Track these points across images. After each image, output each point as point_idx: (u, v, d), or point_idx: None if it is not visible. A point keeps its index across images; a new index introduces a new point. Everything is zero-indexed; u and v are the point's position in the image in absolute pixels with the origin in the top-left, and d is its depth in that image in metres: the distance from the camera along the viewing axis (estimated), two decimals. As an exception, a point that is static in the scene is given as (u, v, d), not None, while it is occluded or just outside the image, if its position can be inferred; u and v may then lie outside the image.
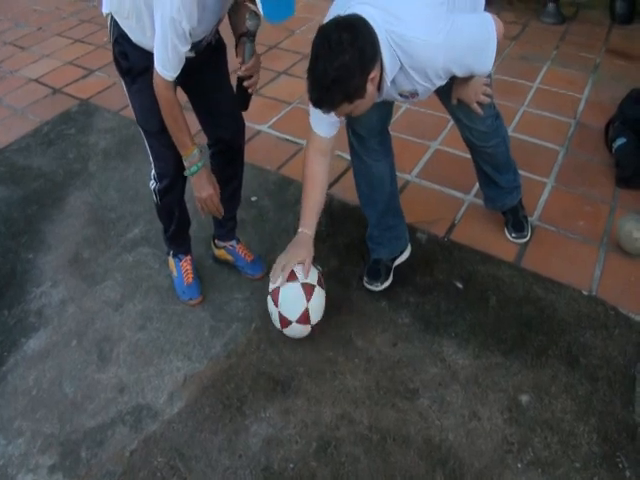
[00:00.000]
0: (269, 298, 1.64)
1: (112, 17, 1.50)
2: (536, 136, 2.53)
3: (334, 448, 1.48)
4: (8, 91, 3.21)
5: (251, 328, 1.80)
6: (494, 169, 1.89)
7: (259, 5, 1.24)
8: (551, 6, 3.59)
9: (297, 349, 1.73)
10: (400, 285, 1.91)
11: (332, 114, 1.40)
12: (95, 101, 3.04)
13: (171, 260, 1.95)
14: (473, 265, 1.96)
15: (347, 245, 2.08)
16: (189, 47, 1.39)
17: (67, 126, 2.85)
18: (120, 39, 1.51)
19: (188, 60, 1.45)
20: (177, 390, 1.64)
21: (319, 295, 1.65)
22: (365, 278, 1.90)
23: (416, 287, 1.90)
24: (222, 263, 2.03)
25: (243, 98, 1.62)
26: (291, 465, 1.45)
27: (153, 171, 1.72)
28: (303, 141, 2.60)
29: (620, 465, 1.41)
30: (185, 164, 1.56)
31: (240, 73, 1.57)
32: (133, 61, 1.52)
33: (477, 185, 2.28)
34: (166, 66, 1.39)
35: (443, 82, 1.44)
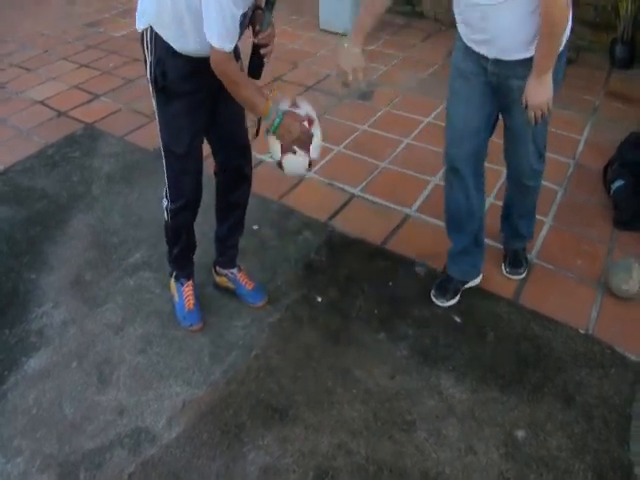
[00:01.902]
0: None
1: (151, 30, 1.57)
2: (536, 175, 2.68)
3: (331, 478, 1.54)
4: (13, 112, 3.35)
5: (251, 356, 1.88)
6: (520, 215, 2.09)
7: None
8: (552, 49, 3.81)
9: (296, 378, 1.81)
10: (399, 317, 2.00)
11: None
12: (100, 126, 3.18)
13: (173, 283, 2.04)
14: (471, 300, 2.06)
15: (347, 277, 2.18)
16: (243, 10, 1.46)
17: (71, 149, 2.97)
18: (163, 56, 1.57)
19: (208, 87, 1.57)
20: (176, 415, 1.71)
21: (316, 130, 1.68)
22: (433, 291, 2.07)
23: (415, 320, 2.00)
24: (223, 290, 2.12)
25: (257, 67, 1.68)
26: (288, 494, 1.51)
27: (165, 189, 1.80)
28: (307, 173, 2.73)
29: (614, 503, 1.49)
30: (268, 122, 1.59)
31: (256, 41, 1.63)
32: (171, 79, 1.59)
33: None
34: (223, 38, 1.45)
35: None
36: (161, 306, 2.07)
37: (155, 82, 1.62)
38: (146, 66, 1.64)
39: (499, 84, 1.72)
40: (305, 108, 1.70)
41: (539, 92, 1.62)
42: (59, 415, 1.71)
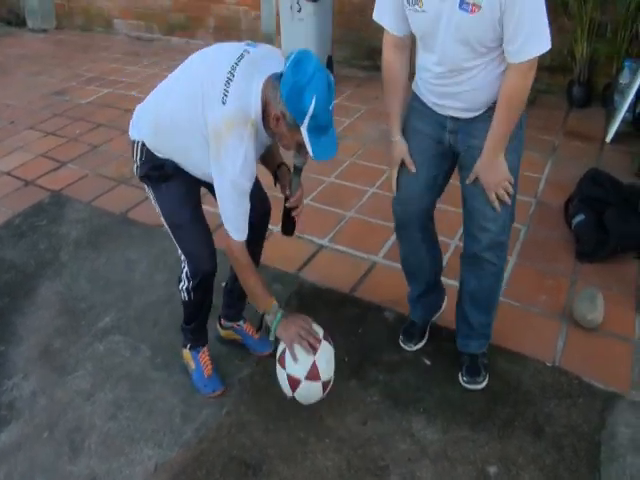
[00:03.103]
0: (277, 365, 1.79)
1: (142, 144, 1.75)
2: (499, 215, 2.88)
3: None
4: (-21, 185, 3.51)
5: (222, 413, 1.97)
6: (473, 302, 1.97)
7: (309, 149, 1.51)
8: (510, 92, 4.13)
9: (268, 431, 1.90)
10: (369, 364, 2.13)
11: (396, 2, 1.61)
12: (67, 192, 3.35)
13: (187, 353, 2.07)
14: (440, 342, 2.20)
15: (318, 326, 2.31)
16: (249, 203, 1.62)
17: (39, 218, 3.13)
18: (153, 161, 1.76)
19: None
20: (148, 479, 1.78)
21: (326, 350, 1.77)
22: (401, 337, 2.19)
23: (385, 365, 2.12)
24: (227, 343, 2.22)
25: (290, 225, 1.88)
26: None
27: (185, 271, 1.85)
28: (274, 228, 2.90)
29: (585, 531, 1.59)
30: (268, 319, 1.74)
31: (288, 205, 1.83)
32: (167, 168, 1.75)
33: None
34: (239, 229, 1.63)
35: (497, 10, 1.47)
36: (131, 369, 2.16)
37: (149, 177, 1.79)
38: (135, 166, 1.82)
39: (457, 142, 1.76)
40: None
41: (494, 170, 1.67)
42: (30, 488, 1.77)
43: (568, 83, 4.18)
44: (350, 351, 2.18)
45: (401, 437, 1.86)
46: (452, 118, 1.74)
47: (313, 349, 1.71)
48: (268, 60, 1.59)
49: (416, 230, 1.98)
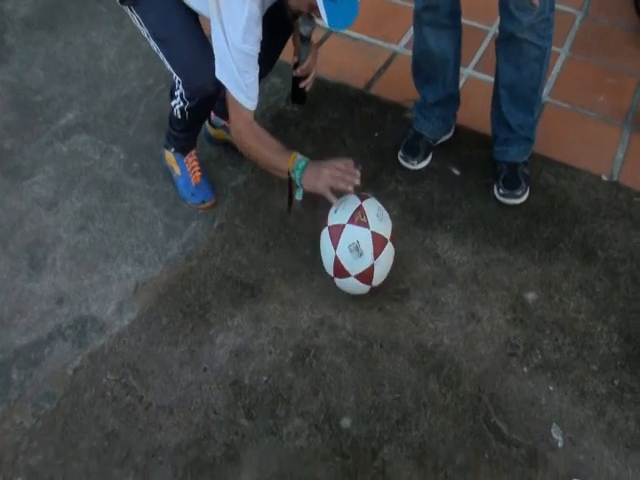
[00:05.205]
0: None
1: None
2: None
3: (313, 357, 1.38)
4: None
5: (213, 226, 1.65)
6: (512, 98, 1.60)
7: (323, 16, 1.22)
8: None
9: (268, 247, 1.59)
10: (387, 173, 1.76)
11: None
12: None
13: (170, 155, 1.70)
14: (472, 148, 1.81)
15: (324, 128, 1.89)
16: (258, 67, 1.37)
17: (-25, -9, 2.45)
18: None
19: None
20: (127, 299, 1.49)
21: (374, 203, 1.42)
22: (400, 152, 1.78)
23: (406, 175, 1.76)
24: (219, 145, 1.83)
25: (298, 95, 1.64)
26: (264, 378, 1.35)
27: (180, 91, 1.49)
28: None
29: (644, 366, 1.35)
30: (292, 176, 1.40)
31: (295, 74, 1.57)
32: None
33: (476, 58, 2.11)
34: (248, 96, 1.37)
35: None
36: (102, 174, 1.76)
37: None
38: None
39: None
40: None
41: None
42: (-18, 312, 1.48)
43: None
44: (364, 158, 1.78)
45: (423, 257, 1.56)
46: None
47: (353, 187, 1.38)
48: None
49: (445, 14, 1.53)
